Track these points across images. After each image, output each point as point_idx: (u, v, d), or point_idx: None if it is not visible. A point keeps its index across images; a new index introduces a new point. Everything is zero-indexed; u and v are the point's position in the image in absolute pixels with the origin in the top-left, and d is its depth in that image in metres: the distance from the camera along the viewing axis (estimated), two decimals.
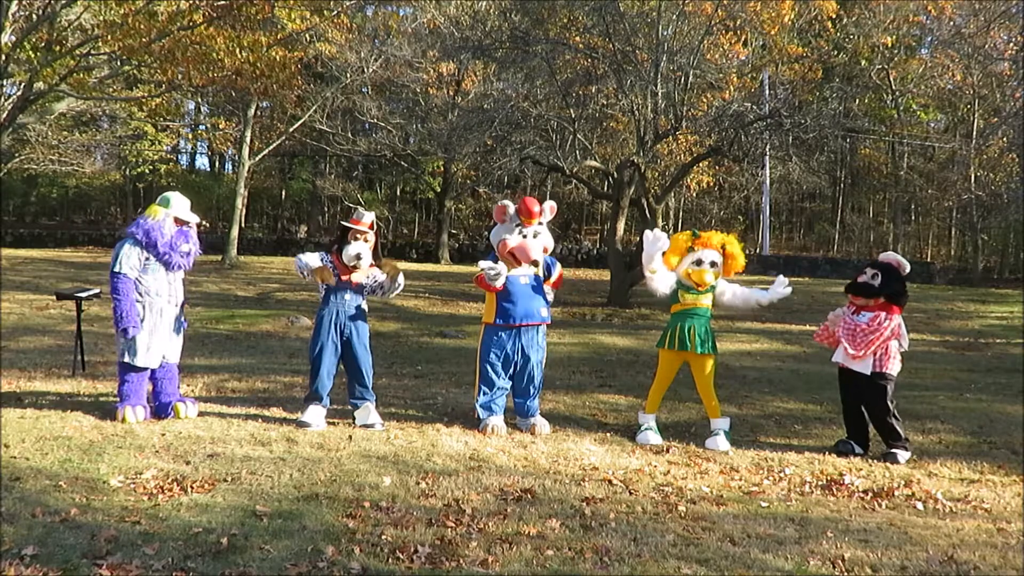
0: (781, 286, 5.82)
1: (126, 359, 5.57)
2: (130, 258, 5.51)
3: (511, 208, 5.83)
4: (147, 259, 5.55)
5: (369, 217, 5.75)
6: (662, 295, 5.80)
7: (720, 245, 5.77)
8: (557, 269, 6.10)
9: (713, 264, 5.71)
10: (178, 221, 5.65)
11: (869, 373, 5.47)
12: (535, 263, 5.84)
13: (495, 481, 4.43)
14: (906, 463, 5.32)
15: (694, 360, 5.77)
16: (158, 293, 5.58)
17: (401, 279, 5.84)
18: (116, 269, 5.50)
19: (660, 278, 5.77)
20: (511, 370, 5.89)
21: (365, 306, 5.87)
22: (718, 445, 5.53)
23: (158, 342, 5.61)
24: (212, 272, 19.57)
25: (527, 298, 5.80)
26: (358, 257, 5.60)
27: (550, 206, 5.91)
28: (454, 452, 5.07)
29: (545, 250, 5.95)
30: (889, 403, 5.49)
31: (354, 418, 5.70)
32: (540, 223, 5.85)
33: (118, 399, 5.67)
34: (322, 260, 5.68)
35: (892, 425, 5.46)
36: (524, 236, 5.80)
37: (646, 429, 5.71)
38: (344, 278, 5.66)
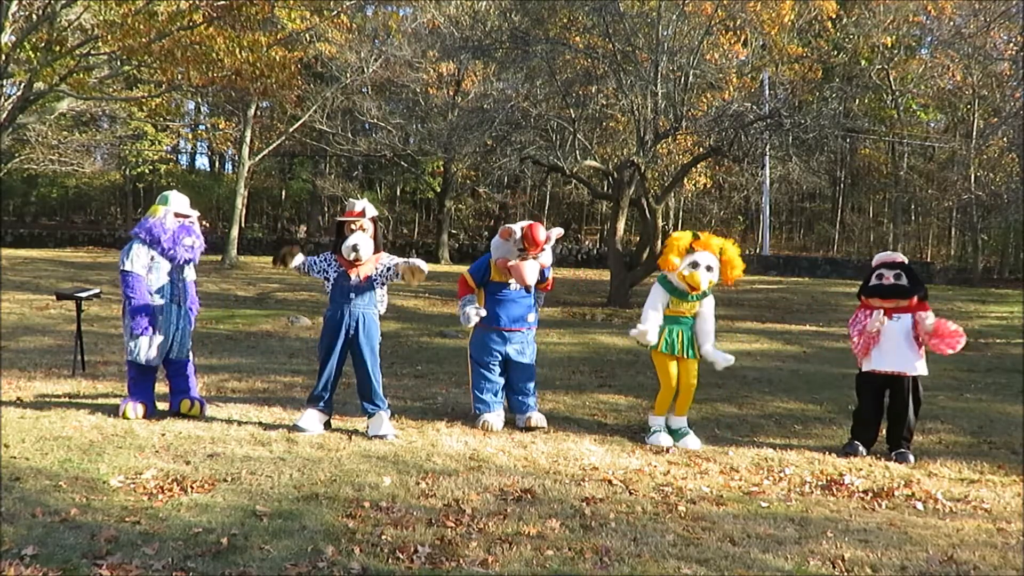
0: (723, 360, 5.75)
1: (129, 356, 5.60)
2: (140, 257, 5.53)
3: (517, 234, 5.78)
4: (152, 258, 5.56)
5: (360, 204, 5.52)
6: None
7: (718, 249, 5.71)
8: (549, 275, 6.25)
9: (709, 268, 5.62)
10: (178, 215, 5.70)
11: (926, 374, 5.54)
12: (528, 288, 5.94)
13: (495, 481, 4.43)
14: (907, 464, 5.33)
15: (683, 364, 5.80)
16: (161, 293, 5.60)
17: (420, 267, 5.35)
18: (126, 268, 5.50)
19: (652, 320, 5.72)
20: (503, 370, 6.03)
21: (379, 306, 5.59)
22: (688, 444, 5.56)
23: (161, 341, 5.62)
24: (212, 272, 19.57)
25: (516, 304, 5.97)
26: (355, 248, 5.33)
27: (558, 234, 5.97)
28: (454, 452, 5.07)
29: (543, 266, 5.99)
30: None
31: (367, 427, 5.50)
32: (544, 249, 5.90)
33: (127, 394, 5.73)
34: (322, 262, 5.51)
35: (912, 426, 5.54)
36: (521, 259, 5.82)
37: (656, 431, 5.70)
38: (351, 273, 5.43)
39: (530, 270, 5.79)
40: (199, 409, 5.71)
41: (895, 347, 5.47)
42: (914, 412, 5.54)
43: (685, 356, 5.75)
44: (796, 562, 3.47)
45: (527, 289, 5.96)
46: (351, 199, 5.68)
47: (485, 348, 5.97)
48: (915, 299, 5.52)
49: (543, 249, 5.87)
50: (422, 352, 9.95)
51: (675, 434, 5.69)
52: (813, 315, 14.51)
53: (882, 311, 5.50)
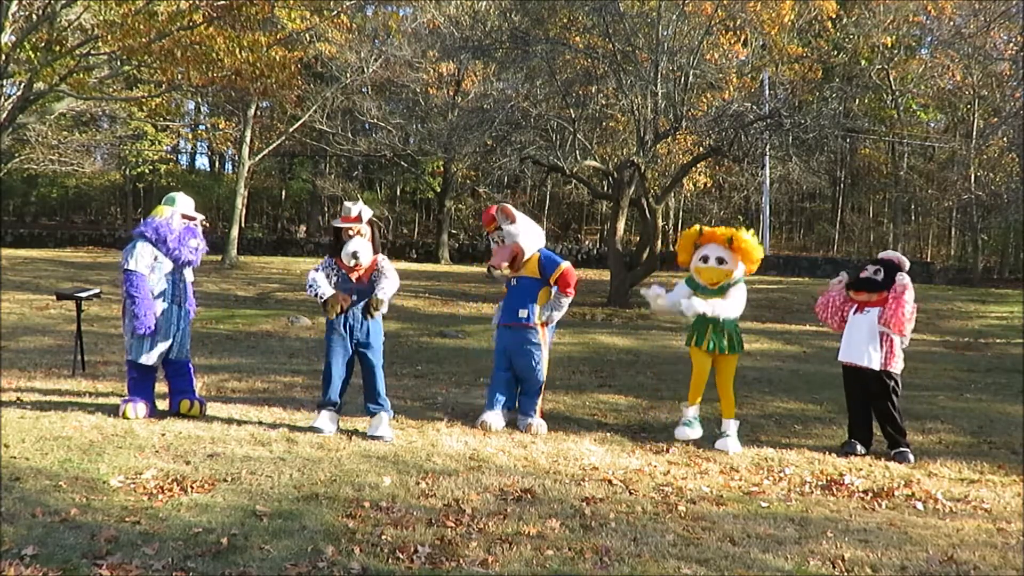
0: (688, 307, 5.64)
1: (130, 357, 5.60)
2: (144, 256, 5.51)
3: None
4: (156, 258, 5.56)
5: (356, 208, 5.46)
6: (673, 307, 5.74)
7: (726, 239, 5.59)
8: (558, 269, 5.86)
9: (721, 260, 5.57)
10: (185, 217, 5.71)
11: (877, 368, 5.47)
12: (497, 266, 5.96)
13: (495, 481, 4.43)
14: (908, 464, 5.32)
15: (719, 359, 5.76)
16: (163, 293, 5.60)
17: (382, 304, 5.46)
18: (131, 267, 5.48)
19: (670, 296, 5.76)
20: (510, 368, 6.01)
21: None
22: (728, 446, 5.49)
23: (161, 341, 5.62)
24: (212, 272, 19.57)
25: (510, 299, 6.00)
26: (355, 256, 5.32)
27: (500, 209, 5.91)
28: (454, 452, 5.07)
29: (518, 251, 5.86)
30: (896, 400, 5.52)
31: (368, 427, 5.49)
32: (500, 228, 5.86)
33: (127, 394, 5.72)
34: (324, 269, 5.47)
35: (897, 423, 5.49)
36: (495, 243, 5.96)
37: (683, 424, 5.71)
38: (352, 276, 5.43)
39: (497, 251, 5.91)
40: (199, 409, 5.71)
41: (858, 339, 5.52)
42: (892, 409, 5.49)
43: (720, 353, 5.69)
44: (796, 562, 3.47)
45: (495, 273, 6.03)
46: (346, 203, 5.60)
47: (498, 343, 6.10)
48: (884, 293, 5.49)
49: (498, 227, 5.87)
50: (422, 352, 9.95)
51: (720, 434, 5.68)
52: (813, 315, 14.49)
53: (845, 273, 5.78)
